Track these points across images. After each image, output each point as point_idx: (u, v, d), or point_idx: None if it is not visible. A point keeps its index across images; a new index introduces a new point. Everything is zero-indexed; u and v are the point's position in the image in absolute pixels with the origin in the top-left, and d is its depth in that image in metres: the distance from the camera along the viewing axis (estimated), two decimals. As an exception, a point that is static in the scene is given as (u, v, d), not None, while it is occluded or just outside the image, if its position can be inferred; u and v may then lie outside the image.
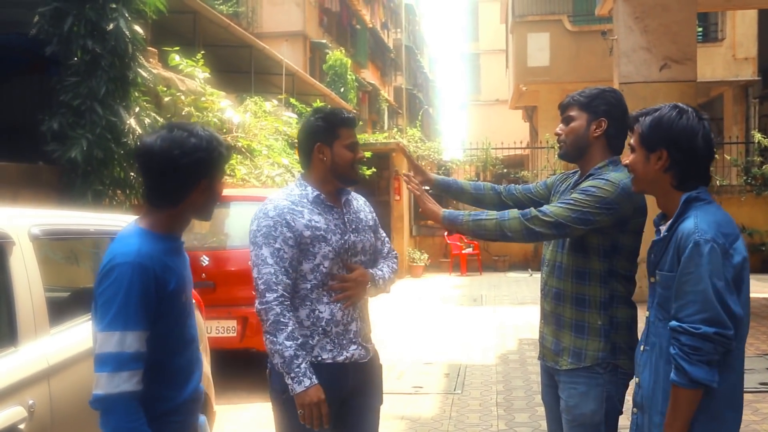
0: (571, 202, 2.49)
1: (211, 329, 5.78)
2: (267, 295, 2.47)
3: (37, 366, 2.60)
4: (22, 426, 2.40)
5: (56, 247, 3.37)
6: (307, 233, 2.50)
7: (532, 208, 2.56)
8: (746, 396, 5.40)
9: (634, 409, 2.28)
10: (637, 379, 2.29)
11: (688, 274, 2.03)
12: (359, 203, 2.78)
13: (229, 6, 18.42)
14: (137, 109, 6.90)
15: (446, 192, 3.09)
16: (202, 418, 2.47)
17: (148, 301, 1.98)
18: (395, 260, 2.85)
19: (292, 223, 2.49)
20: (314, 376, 2.43)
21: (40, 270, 2.77)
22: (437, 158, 18.67)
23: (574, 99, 2.68)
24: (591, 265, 2.58)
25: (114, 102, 6.57)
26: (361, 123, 20.29)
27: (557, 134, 2.73)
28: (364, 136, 17.15)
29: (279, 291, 2.46)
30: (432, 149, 18.44)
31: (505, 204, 2.95)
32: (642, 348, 2.28)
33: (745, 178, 15.30)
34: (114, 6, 6.65)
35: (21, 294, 2.63)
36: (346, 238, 2.60)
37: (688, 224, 2.07)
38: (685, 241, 2.05)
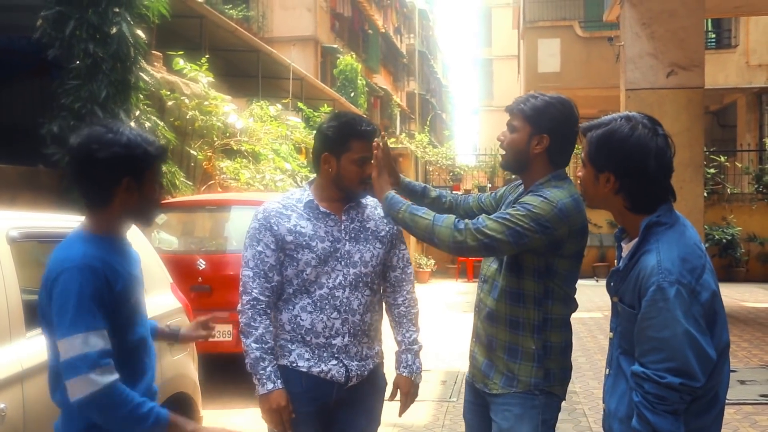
0: (507, 216, 2.29)
1: (207, 333, 5.77)
2: (243, 297, 2.50)
3: (10, 370, 2.58)
4: (-9, 430, 2.39)
5: (39, 250, 3.36)
6: (290, 238, 2.48)
7: (468, 220, 2.35)
8: (745, 408, 5.38)
9: None
10: (603, 405, 2.09)
11: (651, 319, 1.83)
12: (374, 212, 2.64)
13: (239, 11, 18.51)
14: (138, 113, 6.94)
15: (411, 197, 2.76)
16: None
17: (102, 299, 1.95)
18: (413, 298, 2.71)
19: (275, 228, 2.49)
20: (279, 381, 2.45)
21: (18, 272, 2.76)
22: (446, 164, 18.62)
23: (519, 108, 2.44)
24: (525, 286, 2.40)
25: (115, 106, 6.63)
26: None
27: (499, 139, 2.51)
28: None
29: (253, 294, 2.48)
30: (440, 155, 18.39)
31: (458, 215, 2.68)
32: (607, 371, 2.08)
33: (756, 186, 15.13)
34: (116, 10, 6.71)
35: (-4, 297, 2.61)
36: (338, 246, 2.51)
37: (650, 260, 1.86)
38: (646, 281, 1.85)
